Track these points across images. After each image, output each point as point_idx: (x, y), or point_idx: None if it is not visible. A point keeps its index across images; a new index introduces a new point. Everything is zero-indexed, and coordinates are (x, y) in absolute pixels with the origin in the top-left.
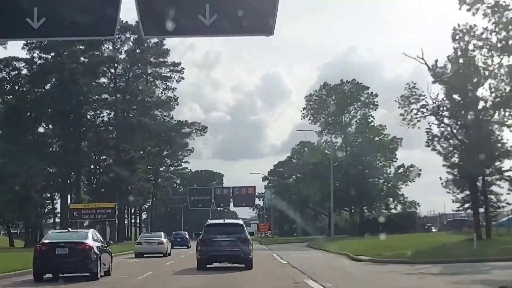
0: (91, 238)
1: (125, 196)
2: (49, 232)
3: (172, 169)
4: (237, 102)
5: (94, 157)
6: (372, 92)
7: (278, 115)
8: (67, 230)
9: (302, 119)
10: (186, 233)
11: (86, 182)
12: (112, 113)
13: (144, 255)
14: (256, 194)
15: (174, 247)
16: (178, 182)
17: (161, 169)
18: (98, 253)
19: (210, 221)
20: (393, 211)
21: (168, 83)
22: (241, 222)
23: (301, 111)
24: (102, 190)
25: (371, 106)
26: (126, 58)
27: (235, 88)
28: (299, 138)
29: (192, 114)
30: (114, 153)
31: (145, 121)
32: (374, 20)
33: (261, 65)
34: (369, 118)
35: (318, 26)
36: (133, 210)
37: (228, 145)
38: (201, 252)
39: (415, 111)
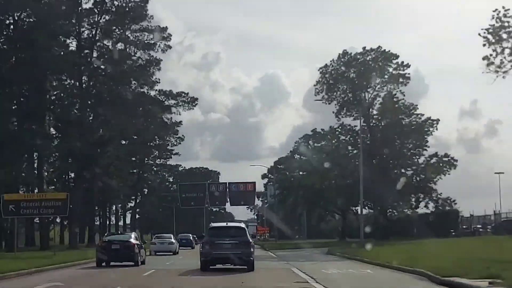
0: (134, 238)
1: (102, 190)
2: (106, 234)
3: (161, 161)
4: (235, 104)
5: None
6: (402, 62)
7: (277, 116)
8: (119, 233)
9: (315, 95)
10: (190, 235)
11: (50, 171)
12: (77, 82)
13: (157, 253)
14: (256, 191)
15: (180, 247)
16: (171, 180)
17: (147, 161)
18: (138, 248)
19: (213, 224)
20: (424, 209)
21: (151, 52)
22: (243, 225)
23: (314, 85)
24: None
25: (401, 80)
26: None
27: (234, 89)
28: (300, 134)
29: (190, 115)
30: (77, 132)
31: (117, 90)
32: (373, 21)
33: (260, 66)
34: (398, 95)
35: (317, 28)
36: (117, 209)
37: (226, 146)
38: (205, 254)
39: (508, 51)
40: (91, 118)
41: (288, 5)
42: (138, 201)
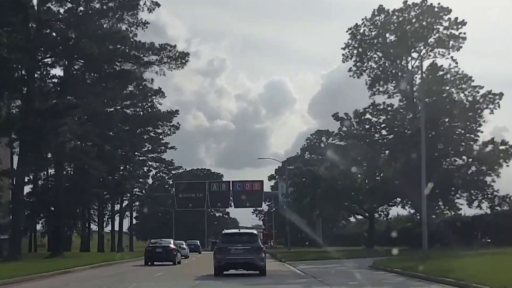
0: (172, 243)
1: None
2: (151, 240)
3: (153, 155)
4: (241, 110)
5: None
6: (456, 18)
7: (282, 123)
8: (160, 239)
9: (343, 61)
10: (198, 241)
11: None
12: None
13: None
14: (264, 191)
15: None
16: (171, 182)
17: (138, 155)
18: (176, 251)
19: (226, 231)
20: (477, 209)
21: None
22: (255, 231)
23: (342, 48)
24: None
25: (453, 43)
26: None
27: (239, 96)
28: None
29: (196, 121)
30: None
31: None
32: None
33: (265, 73)
34: (449, 63)
35: (323, 34)
36: (101, 212)
37: (231, 153)
38: (218, 259)
39: None
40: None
41: (293, 11)
42: (126, 203)
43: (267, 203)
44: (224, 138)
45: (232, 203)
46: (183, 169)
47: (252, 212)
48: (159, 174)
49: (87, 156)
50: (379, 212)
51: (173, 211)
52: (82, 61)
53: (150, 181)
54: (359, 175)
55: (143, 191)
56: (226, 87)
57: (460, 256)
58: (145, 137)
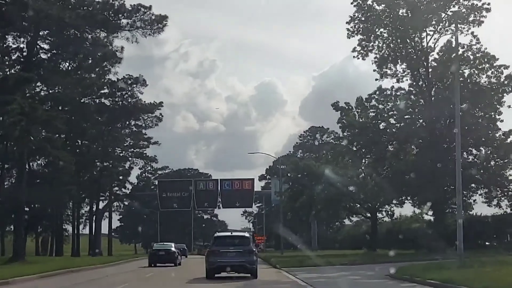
0: (174, 247)
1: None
2: (154, 244)
3: (134, 151)
4: (231, 112)
5: None
6: None
7: (273, 125)
8: (163, 244)
9: (348, 37)
10: (184, 245)
11: None
12: None
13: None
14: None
15: None
16: (156, 183)
17: (118, 150)
18: (177, 254)
19: (218, 234)
20: (495, 209)
21: None
22: (247, 234)
23: (347, 22)
24: None
25: (473, 17)
26: None
27: (230, 98)
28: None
29: (186, 123)
30: None
31: None
32: None
33: (256, 75)
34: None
35: (314, 37)
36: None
37: (222, 155)
38: (210, 262)
39: None
40: None
41: (285, 13)
42: (105, 203)
43: (257, 205)
44: (214, 140)
45: (220, 203)
46: (169, 169)
47: (242, 214)
48: (144, 174)
49: (52, 146)
50: (384, 211)
51: (159, 213)
52: (48, 30)
53: (133, 180)
54: (362, 169)
55: (123, 190)
56: (216, 89)
57: (500, 262)
58: (126, 131)
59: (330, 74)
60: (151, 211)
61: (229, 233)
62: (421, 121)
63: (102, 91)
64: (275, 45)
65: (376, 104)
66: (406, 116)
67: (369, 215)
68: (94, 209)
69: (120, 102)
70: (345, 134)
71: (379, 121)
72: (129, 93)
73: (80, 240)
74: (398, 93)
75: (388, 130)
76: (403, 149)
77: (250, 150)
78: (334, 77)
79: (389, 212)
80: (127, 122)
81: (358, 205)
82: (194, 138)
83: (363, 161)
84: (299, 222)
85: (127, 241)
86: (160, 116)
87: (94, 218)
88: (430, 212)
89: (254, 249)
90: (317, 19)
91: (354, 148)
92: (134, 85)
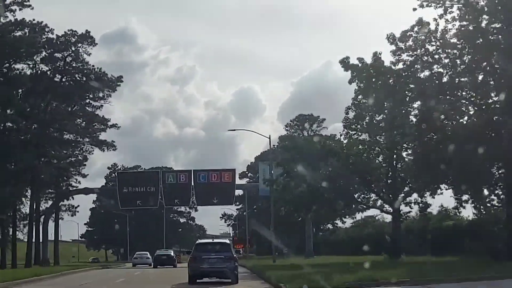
0: (173, 252)
1: None
2: (158, 250)
3: (88, 140)
4: (210, 118)
5: None
6: None
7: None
8: (166, 249)
9: None
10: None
11: None
12: None
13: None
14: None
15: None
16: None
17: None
18: (175, 257)
19: (200, 241)
20: None
21: None
22: (228, 241)
23: None
24: None
25: None
26: None
27: (209, 103)
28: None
29: (165, 129)
30: None
31: None
32: (349, 35)
33: (235, 81)
34: None
35: (293, 43)
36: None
37: (201, 161)
38: (192, 268)
39: None
40: None
41: (262, 20)
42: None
43: (238, 206)
44: (193, 146)
45: (195, 199)
46: (141, 168)
47: (221, 217)
48: (108, 173)
49: None
50: (413, 203)
51: (127, 216)
52: None
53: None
54: (382, 145)
55: (73, 184)
56: (195, 95)
57: None
58: (75, 108)
59: (309, 80)
60: (118, 213)
61: (210, 240)
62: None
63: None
64: (254, 51)
65: (412, 45)
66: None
67: (389, 208)
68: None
69: (62, 67)
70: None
71: (419, 69)
72: (71, 52)
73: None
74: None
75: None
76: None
77: (230, 156)
78: (312, 83)
79: (421, 204)
80: (76, 98)
81: (377, 196)
82: (173, 144)
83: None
84: (289, 222)
85: (96, 247)
86: (114, 84)
87: (38, 220)
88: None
89: (235, 255)
90: (295, 26)
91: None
92: (80, 44)
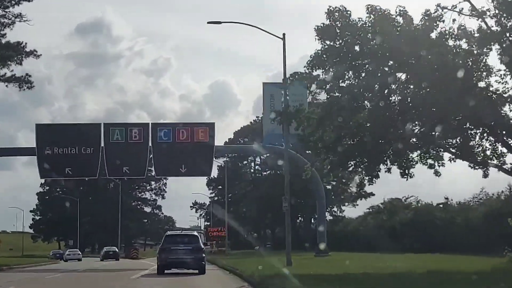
0: (117, 248)
1: None
2: (105, 247)
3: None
4: (185, 111)
5: None
6: None
7: (227, 124)
8: (111, 246)
9: None
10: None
11: None
12: None
13: None
14: (216, 146)
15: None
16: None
17: None
18: (118, 252)
19: (169, 233)
20: None
21: None
22: (196, 233)
23: None
24: None
25: None
26: None
27: (183, 96)
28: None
29: (140, 121)
30: None
31: None
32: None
33: (210, 74)
34: None
35: (267, 38)
36: None
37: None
38: (161, 259)
39: None
40: None
41: (238, 14)
42: None
43: (211, 189)
44: None
45: (153, 167)
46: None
47: (191, 206)
48: None
49: None
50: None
51: (78, 201)
52: None
53: None
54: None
55: None
56: (170, 87)
57: None
58: None
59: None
60: (70, 200)
61: (179, 232)
62: None
63: None
64: (230, 45)
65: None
66: None
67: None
68: None
69: None
70: None
71: None
72: None
73: None
74: None
75: None
76: None
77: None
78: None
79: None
80: None
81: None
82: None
83: None
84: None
85: (46, 239)
86: None
87: None
88: None
89: (203, 247)
90: (271, 20)
91: None
92: None
